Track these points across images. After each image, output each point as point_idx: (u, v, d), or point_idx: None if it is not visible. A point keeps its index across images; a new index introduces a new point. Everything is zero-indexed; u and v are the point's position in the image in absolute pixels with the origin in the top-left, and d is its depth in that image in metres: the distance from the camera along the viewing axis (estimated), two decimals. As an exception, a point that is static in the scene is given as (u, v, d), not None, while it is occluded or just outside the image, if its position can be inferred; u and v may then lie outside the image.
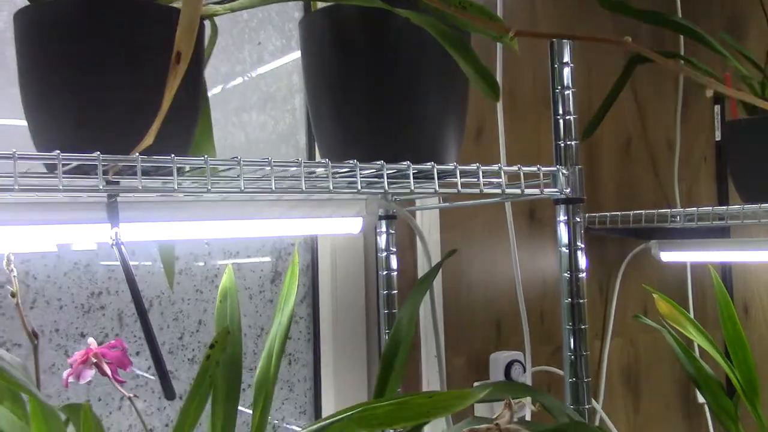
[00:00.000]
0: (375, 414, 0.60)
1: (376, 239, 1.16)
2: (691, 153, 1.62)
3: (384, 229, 1.14)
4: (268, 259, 1.29)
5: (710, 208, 1.27)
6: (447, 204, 1.17)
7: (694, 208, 1.28)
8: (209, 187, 0.65)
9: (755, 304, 1.55)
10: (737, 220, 1.22)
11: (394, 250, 1.15)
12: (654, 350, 1.57)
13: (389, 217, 1.14)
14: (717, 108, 1.51)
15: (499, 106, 1.25)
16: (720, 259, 1.51)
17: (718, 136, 1.54)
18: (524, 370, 1.32)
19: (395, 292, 1.15)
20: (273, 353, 0.81)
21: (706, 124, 1.59)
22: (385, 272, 1.14)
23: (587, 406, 0.82)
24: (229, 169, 0.70)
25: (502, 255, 1.35)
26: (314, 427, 0.61)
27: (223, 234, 0.81)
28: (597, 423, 1.43)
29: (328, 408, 1.31)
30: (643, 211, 1.34)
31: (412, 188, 0.74)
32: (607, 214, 1.38)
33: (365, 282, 1.30)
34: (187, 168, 0.67)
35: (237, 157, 0.67)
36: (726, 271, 1.58)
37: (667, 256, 1.47)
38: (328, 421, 0.60)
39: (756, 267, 1.55)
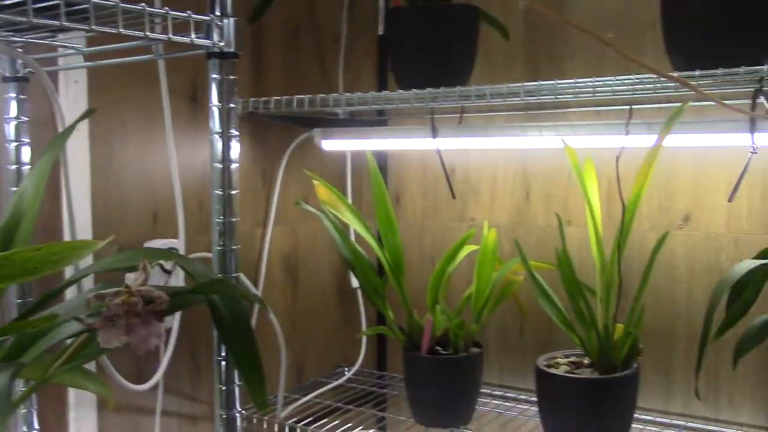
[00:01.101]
0: (-31, 274, 0.49)
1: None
2: (356, 46, 1.65)
3: (13, 93, 0.98)
4: None
5: (369, 93, 1.29)
6: (90, 63, 1.03)
7: (356, 94, 1.29)
8: None
9: (406, 193, 1.64)
10: (392, 104, 1.26)
11: (26, 119, 0.99)
12: (313, 238, 1.60)
13: (19, 80, 0.97)
14: (381, 1, 1.54)
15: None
16: (377, 147, 1.56)
17: (381, 30, 1.57)
18: (181, 258, 1.25)
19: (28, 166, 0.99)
20: None
21: (372, 18, 1.62)
22: (15, 143, 0.98)
23: (235, 275, 0.77)
24: None
25: (159, 140, 1.25)
26: None
27: None
28: (256, 312, 1.43)
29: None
30: (306, 96, 1.32)
31: (31, 18, 0.62)
32: (272, 98, 1.34)
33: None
34: None
35: None
36: (383, 160, 1.65)
37: (329, 144, 1.49)
38: None
39: (409, 159, 1.64)
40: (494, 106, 1.46)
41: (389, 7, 1.36)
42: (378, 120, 1.62)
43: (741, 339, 1.04)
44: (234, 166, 0.80)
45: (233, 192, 0.79)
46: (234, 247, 0.78)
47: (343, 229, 1.37)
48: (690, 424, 1.34)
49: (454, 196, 1.37)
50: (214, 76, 0.79)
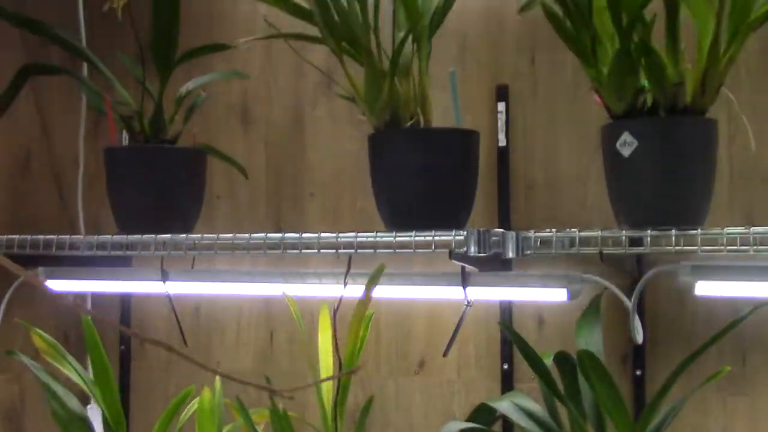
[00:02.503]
0: None
1: None
2: (101, 174, 1.55)
3: None
4: None
5: (110, 236, 1.22)
6: None
7: (95, 236, 1.24)
8: None
9: (150, 335, 1.53)
10: (135, 251, 1.21)
11: None
12: (44, 387, 1.45)
13: None
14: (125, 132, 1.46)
15: None
16: (117, 290, 1.46)
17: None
18: None
19: None
20: None
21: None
22: None
23: None
24: None
25: None
26: None
27: None
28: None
29: None
30: (41, 237, 1.24)
31: None
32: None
33: None
34: None
35: None
36: (126, 302, 1.54)
37: (56, 285, 1.37)
38: None
39: (155, 299, 1.52)
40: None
41: (106, 148, 1.29)
42: (123, 260, 1.51)
43: None
44: None
45: None
46: None
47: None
48: None
49: (186, 344, 1.29)
50: None
